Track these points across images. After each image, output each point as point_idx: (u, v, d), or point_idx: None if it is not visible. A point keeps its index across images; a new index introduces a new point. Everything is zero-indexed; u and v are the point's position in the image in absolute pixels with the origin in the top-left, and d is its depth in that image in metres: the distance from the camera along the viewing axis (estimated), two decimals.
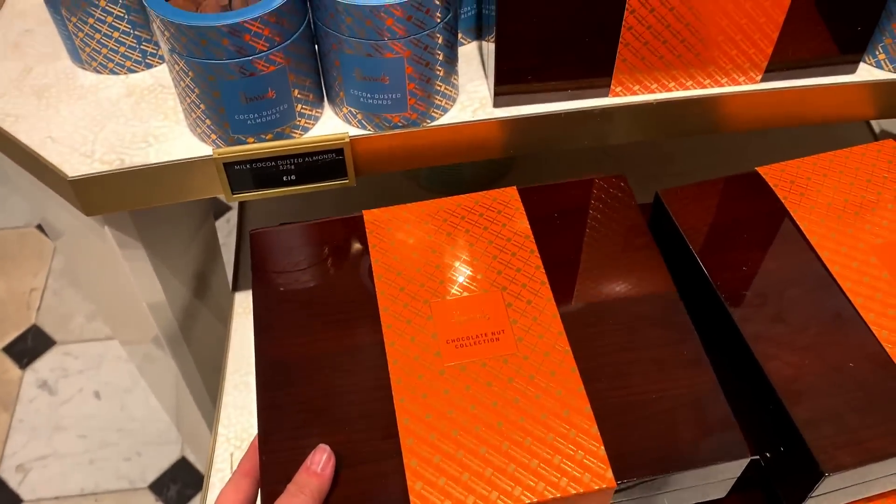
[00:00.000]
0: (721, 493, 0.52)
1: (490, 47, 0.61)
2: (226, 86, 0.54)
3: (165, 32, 0.52)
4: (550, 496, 0.47)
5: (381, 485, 0.48)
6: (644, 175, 0.73)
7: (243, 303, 0.80)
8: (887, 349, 0.52)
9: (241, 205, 0.93)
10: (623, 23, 0.57)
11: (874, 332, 0.53)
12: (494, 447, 0.49)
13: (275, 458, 0.49)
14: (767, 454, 0.53)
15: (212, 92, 0.54)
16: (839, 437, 0.49)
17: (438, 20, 0.55)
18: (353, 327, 0.55)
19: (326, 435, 0.49)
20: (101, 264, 0.71)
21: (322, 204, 0.90)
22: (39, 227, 1.86)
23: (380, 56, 0.55)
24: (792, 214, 0.60)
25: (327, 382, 0.52)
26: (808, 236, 0.59)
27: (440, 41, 0.57)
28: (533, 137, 0.63)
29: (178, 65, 0.54)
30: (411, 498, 0.47)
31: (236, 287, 0.81)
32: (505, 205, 0.61)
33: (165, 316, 0.77)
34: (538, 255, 0.58)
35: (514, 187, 0.62)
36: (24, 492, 1.45)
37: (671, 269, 0.60)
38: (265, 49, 0.53)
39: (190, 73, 0.54)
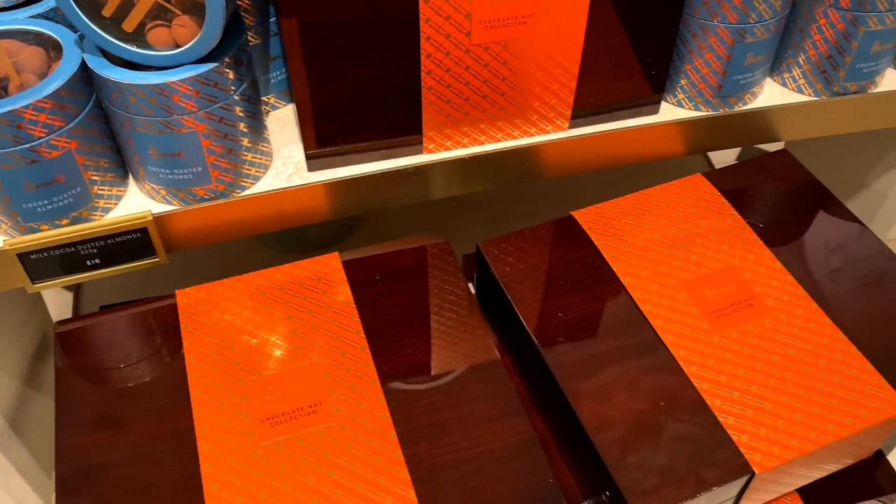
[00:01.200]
0: None
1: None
2: (7, 175, 0.51)
3: None
4: None
5: None
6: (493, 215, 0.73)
7: None
8: (696, 385, 0.54)
9: (78, 285, 0.89)
10: (422, 83, 0.58)
11: (683, 368, 0.55)
12: None
13: None
14: (606, 493, 0.54)
15: None
16: (649, 480, 0.49)
17: (231, 91, 0.54)
18: (163, 416, 0.52)
19: None
20: None
21: (161, 272, 0.87)
22: None
23: (172, 132, 0.54)
24: (605, 257, 0.62)
25: (133, 478, 0.50)
26: (620, 277, 0.60)
27: (238, 112, 0.56)
28: (351, 200, 0.62)
29: None
30: None
31: None
32: (327, 274, 0.60)
33: None
34: (359, 322, 0.57)
35: (337, 254, 0.62)
36: None
37: (498, 317, 0.60)
38: (44, 135, 0.51)
39: None
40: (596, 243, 0.63)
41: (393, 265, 0.61)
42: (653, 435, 0.51)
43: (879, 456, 0.65)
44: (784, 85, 0.69)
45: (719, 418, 0.52)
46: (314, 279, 0.60)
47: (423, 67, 0.57)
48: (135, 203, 0.59)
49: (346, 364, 0.55)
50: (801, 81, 0.68)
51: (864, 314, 0.58)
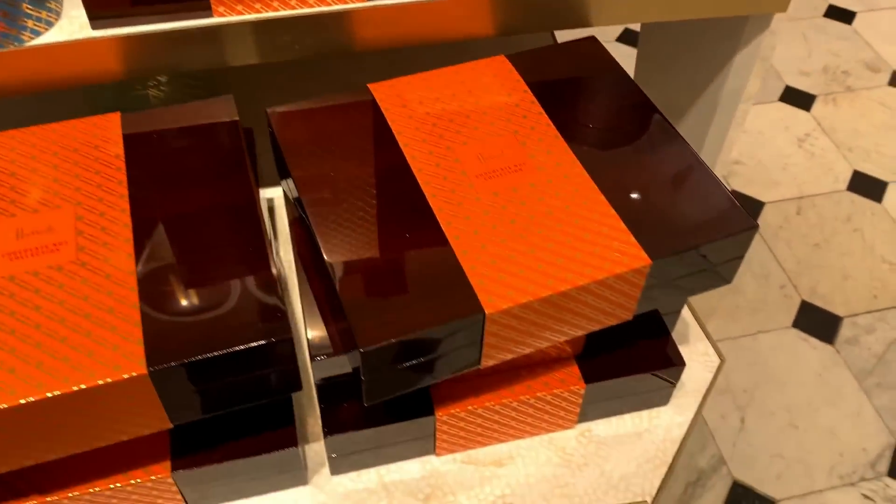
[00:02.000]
0: None
1: None
2: None
3: None
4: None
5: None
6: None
7: None
8: (447, 234, 0.54)
9: None
10: None
11: (438, 219, 0.55)
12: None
13: None
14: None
15: None
16: (379, 314, 0.50)
17: None
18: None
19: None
20: None
21: None
22: None
23: None
24: (390, 124, 0.62)
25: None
26: (400, 143, 0.61)
27: None
28: (137, 59, 0.62)
29: None
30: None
31: None
32: (105, 131, 0.60)
33: None
34: (125, 175, 0.57)
35: (119, 113, 0.62)
36: None
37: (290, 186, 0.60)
38: None
39: None
40: (384, 112, 0.63)
41: (171, 123, 0.61)
42: (392, 276, 0.52)
43: (665, 334, 0.67)
44: None
45: (463, 265, 0.53)
46: (89, 134, 0.60)
47: None
48: None
49: (101, 209, 0.55)
50: None
51: (630, 183, 0.59)
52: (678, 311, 0.65)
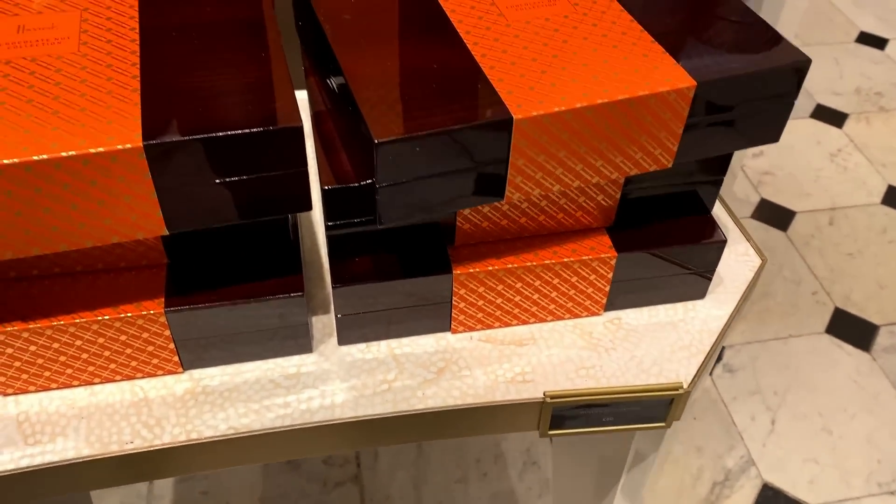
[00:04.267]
0: None
1: None
2: None
3: None
4: None
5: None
6: None
7: None
8: (472, 52, 0.51)
9: None
10: None
11: (465, 41, 0.52)
12: None
13: None
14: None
15: None
16: (398, 112, 0.46)
17: None
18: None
19: None
20: None
21: None
22: None
23: None
24: None
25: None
26: None
27: None
28: None
29: None
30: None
31: None
32: None
33: None
34: None
35: None
36: None
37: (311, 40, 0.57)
38: None
39: None
40: None
41: None
42: (412, 82, 0.48)
43: (705, 212, 0.62)
44: None
45: (490, 77, 0.49)
46: None
47: None
48: None
49: (108, 15, 0.52)
50: None
51: (673, 20, 0.55)
52: (719, 180, 0.59)
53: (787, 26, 1.29)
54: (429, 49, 0.51)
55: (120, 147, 0.42)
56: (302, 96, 0.66)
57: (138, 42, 0.50)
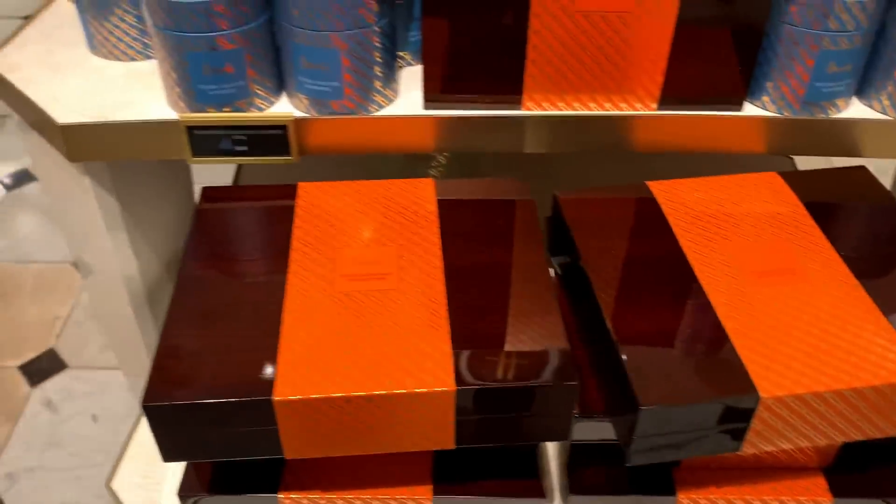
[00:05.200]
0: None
1: None
2: (193, 56, 0.66)
3: (150, 8, 0.66)
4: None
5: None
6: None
7: None
8: (722, 322, 0.59)
9: None
10: (528, 42, 0.68)
11: (714, 308, 0.60)
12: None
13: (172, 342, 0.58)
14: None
15: (181, 61, 0.67)
16: (660, 382, 0.55)
17: (373, 22, 0.67)
18: (264, 266, 0.64)
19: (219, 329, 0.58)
20: (81, 224, 0.82)
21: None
22: (73, 264, 2.01)
23: (320, 46, 0.67)
24: (666, 217, 0.68)
25: (230, 297, 0.61)
26: (677, 236, 0.66)
27: (375, 42, 0.68)
28: (455, 137, 0.73)
29: (158, 37, 0.67)
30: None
31: None
32: (420, 191, 0.71)
33: (137, 290, 0.88)
34: (438, 227, 0.67)
35: (431, 179, 0.72)
36: (9, 499, 1.52)
37: (563, 262, 0.67)
38: (226, 28, 0.66)
39: (167, 44, 0.66)
40: (661, 206, 0.69)
41: (476, 194, 0.71)
42: (670, 349, 0.57)
43: None
44: (871, 108, 0.74)
45: (738, 350, 0.56)
46: (408, 193, 0.70)
47: (531, 27, 0.67)
48: (282, 108, 0.73)
49: (419, 253, 0.64)
50: (887, 103, 0.73)
51: None
52: None
53: None
54: (682, 312, 0.60)
55: (438, 389, 0.54)
56: None
57: (444, 282, 0.61)
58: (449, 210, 0.68)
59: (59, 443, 1.62)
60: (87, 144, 0.71)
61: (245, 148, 0.72)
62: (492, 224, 0.68)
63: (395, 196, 0.70)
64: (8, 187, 2.23)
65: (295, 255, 0.64)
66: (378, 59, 0.70)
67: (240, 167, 1.09)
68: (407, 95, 0.75)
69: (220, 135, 0.71)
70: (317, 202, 0.69)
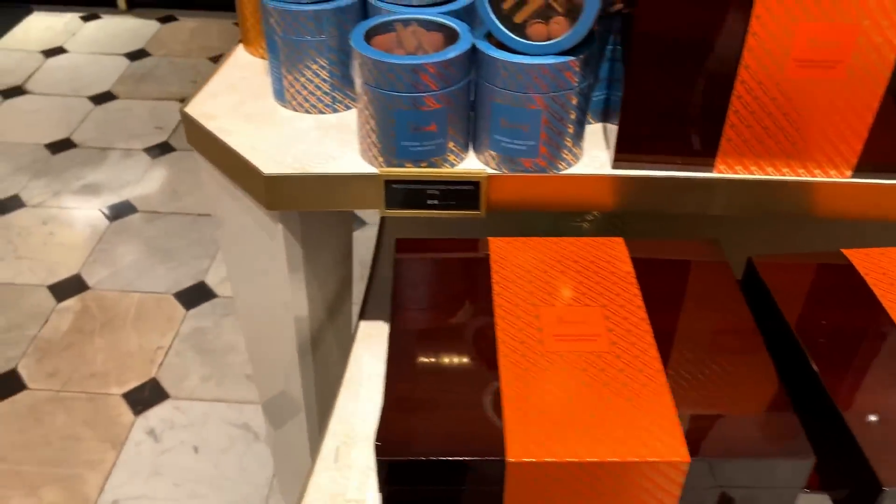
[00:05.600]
0: None
1: (614, 128, 0.73)
2: (401, 114, 0.68)
3: (362, 67, 0.68)
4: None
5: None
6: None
7: (367, 330, 0.91)
8: None
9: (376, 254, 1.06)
10: (730, 107, 0.69)
11: None
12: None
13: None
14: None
15: (388, 119, 0.69)
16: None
17: (576, 83, 0.68)
18: (472, 320, 0.65)
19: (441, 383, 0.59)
20: (260, 265, 0.85)
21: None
22: (175, 295, 2.06)
23: (524, 107, 0.68)
24: (871, 287, 0.67)
25: (445, 349, 0.62)
26: (885, 306, 0.65)
27: (574, 102, 0.69)
28: (641, 196, 0.73)
29: (367, 95, 0.69)
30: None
31: (363, 315, 0.92)
32: (612, 251, 0.71)
33: (303, 330, 0.89)
34: (637, 287, 0.67)
35: (622, 238, 0.73)
36: None
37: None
38: (434, 89, 0.67)
39: (375, 102, 0.68)
40: (863, 275, 0.68)
41: (671, 254, 0.71)
42: None
43: None
44: None
45: None
46: (601, 252, 0.71)
47: (734, 92, 0.68)
48: (470, 164, 0.74)
49: (624, 314, 0.64)
50: None
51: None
52: None
53: None
54: None
55: (671, 460, 0.53)
56: None
57: (655, 346, 0.61)
58: (646, 270, 0.68)
59: (162, 472, 1.64)
60: (287, 194, 0.73)
61: (436, 202, 0.73)
62: (693, 286, 0.67)
63: (587, 254, 0.70)
64: (110, 218, 2.30)
65: (499, 311, 0.64)
66: (573, 119, 0.71)
67: (383, 219, 1.11)
68: (591, 153, 0.76)
69: (415, 189, 0.72)
70: (509, 256, 0.70)
